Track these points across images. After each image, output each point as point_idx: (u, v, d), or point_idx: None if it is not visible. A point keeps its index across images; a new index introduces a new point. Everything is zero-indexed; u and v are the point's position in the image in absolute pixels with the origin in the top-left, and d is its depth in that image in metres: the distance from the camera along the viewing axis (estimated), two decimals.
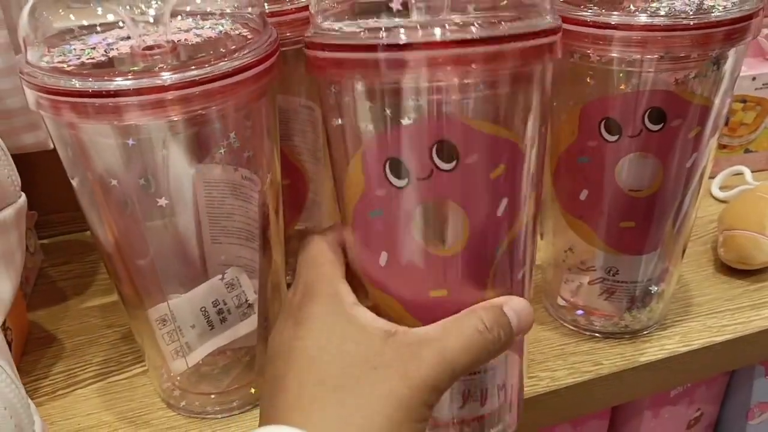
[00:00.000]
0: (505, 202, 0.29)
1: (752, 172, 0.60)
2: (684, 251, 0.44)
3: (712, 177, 0.61)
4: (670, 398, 0.54)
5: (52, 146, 0.46)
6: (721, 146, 0.63)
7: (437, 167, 0.28)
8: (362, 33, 0.27)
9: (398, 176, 0.28)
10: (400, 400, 0.27)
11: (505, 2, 0.28)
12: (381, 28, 0.26)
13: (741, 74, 0.59)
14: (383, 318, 0.30)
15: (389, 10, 0.27)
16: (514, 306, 0.31)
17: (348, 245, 0.33)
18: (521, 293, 0.32)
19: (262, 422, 0.30)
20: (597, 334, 0.45)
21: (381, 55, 0.26)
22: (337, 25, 0.29)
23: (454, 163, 0.28)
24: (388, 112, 0.27)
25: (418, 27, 0.26)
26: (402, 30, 0.26)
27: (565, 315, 0.47)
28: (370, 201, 0.30)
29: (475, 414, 0.34)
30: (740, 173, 0.60)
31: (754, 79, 0.60)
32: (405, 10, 0.27)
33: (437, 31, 0.26)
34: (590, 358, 0.43)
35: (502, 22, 0.27)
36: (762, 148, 0.63)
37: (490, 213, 0.29)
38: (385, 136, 0.28)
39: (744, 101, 0.61)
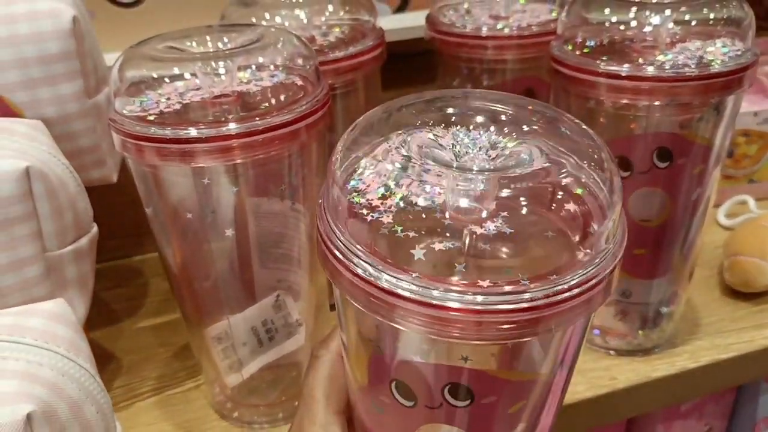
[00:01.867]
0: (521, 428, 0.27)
1: (756, 200, 0.64)
2: (691, 275, 0.48)
3: (718, 206, 0.65)
4: (680, 413, 0.57)
5: (115, 180, 0.51)
6: (727, 177, 0.67)
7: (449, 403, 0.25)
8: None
9: (406, 398, 0.26)
10: None
11: None
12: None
13: (743, 110, 0.64)
14: None
15: None
16: None
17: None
18: None
19: None
20: (612, 352, 0.49)
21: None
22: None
23: (468, 401, 0.25)
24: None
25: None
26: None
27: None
28: (374, 397, 0.27)
29: None
30: (745, 202, 0.64)
31: (755, 114, 0.64)
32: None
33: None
34: (606, 374, 0.47)
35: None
36: (765, 178, 0.67)
37: None
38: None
39: (747, 135, 0.65)
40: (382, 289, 0.22)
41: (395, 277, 0.22)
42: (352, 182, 0.24)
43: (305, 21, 0.46)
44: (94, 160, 0.48)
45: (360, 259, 0.23)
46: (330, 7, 0.49)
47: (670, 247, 0.44)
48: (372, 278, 0.22)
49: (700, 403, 0.58)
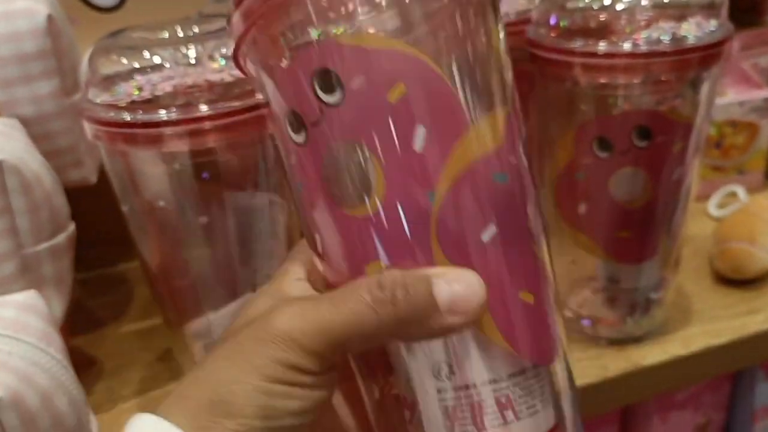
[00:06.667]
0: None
1: (746, 192, 0.64)
2: (678, 260, 0.47)
3: (707, 198, 0.65)
4: (676, 403, 0.56)
5: (94, 181, 0.50)
6: (716, 168, 0.67)
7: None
8: None
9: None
10: (245, 355, 0.23)
11: None
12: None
13: (730, 100, 0.64)
14: None
15: None
16: (451, 277, 0.23)
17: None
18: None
19: None
20: (602, 341, 0.48)
21: None
22: None
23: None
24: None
25: None
26: None
27: (573, 325, 0.50)
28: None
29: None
30: (734, 193, 0.64)
31: (741, 104, 0.64)
32: None
33: None
34: (597, 363, 0.46)
35: None
36: (754, 168, 0.67)
37: None
38: None
39: (734, 125, 0.65)
40: None
41: None
42: None
43: None
44: (73, 160, 0.48)
45: None
46: None
47: (655, 228, 0.44)
48: None
49: (696, 393, 0.57)
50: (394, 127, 0.23)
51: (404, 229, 0.23)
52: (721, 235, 0.55)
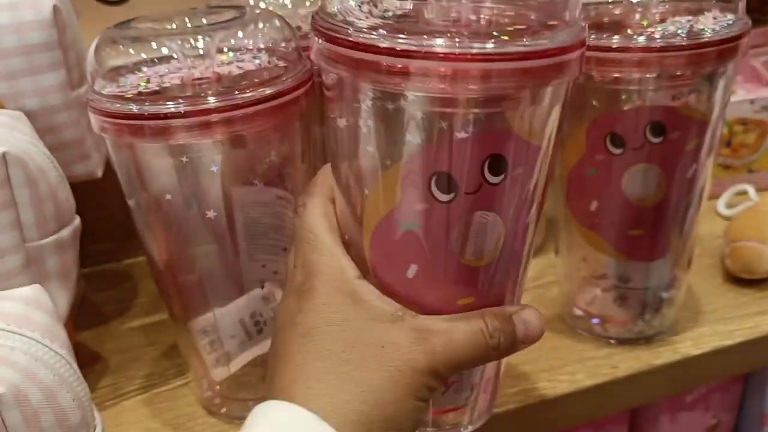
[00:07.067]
0: (534, 209, 0.31)
1: (756, 190, 0.63)
2: (691, 259, 0.47)
3: (717, 197, 0.64)
4: (686, 404, 0.56)
5: (100, 175, 0.50)
6: (726, 167, 0.66)
7: (486, 181, 0.28)
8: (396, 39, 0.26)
9: (445, 191, 0.28)
10: (405, 380, 0.28)
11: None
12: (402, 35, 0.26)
13: (740, 98, 0.63)
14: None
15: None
16: (524, 316, 0.31)
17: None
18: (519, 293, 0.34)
19: (268, 394, 0.30)
20: (612, 341, 0.48)
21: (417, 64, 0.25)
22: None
23: (502, 176, 0.28)
24: (443, 124, 0.27)
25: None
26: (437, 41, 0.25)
27: (582, 324, 0.49)
28: (403, 215, 0.29)
29: (453, 404, 0.35)
30: (745, 192, 0.63)
31: (752, 102, 0.63)
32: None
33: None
34: (607, 362, 0.46)
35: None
36: (764, 167, 0.66)
37: (522, 222, 0.30)
38: (434, 149, 0.27)
39: (744, 123, 0.64)
40: None
41: None
42: None
43: (290, 7, 0.46)
44: (79, 154, 0.48)
45: None
46: None
47: (668, 227, 0.43)
48: None
49: (707, 394, 0.56)
50: (524, 207, 0.30)
51: (501, 277, 0.32)
52: (731, 234, 0.55)
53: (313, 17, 0.29)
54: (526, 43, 0.26)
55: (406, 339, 0.29)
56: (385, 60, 0.26)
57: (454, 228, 0.29)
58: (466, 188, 0.28)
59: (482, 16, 0.28)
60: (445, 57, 0.25)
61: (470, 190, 0.28)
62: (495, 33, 0.26)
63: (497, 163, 0.28)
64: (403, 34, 0.26)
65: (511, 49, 0.25)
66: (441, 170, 0.28)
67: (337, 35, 0.27)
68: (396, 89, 0.26)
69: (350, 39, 0.27)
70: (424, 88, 0.26)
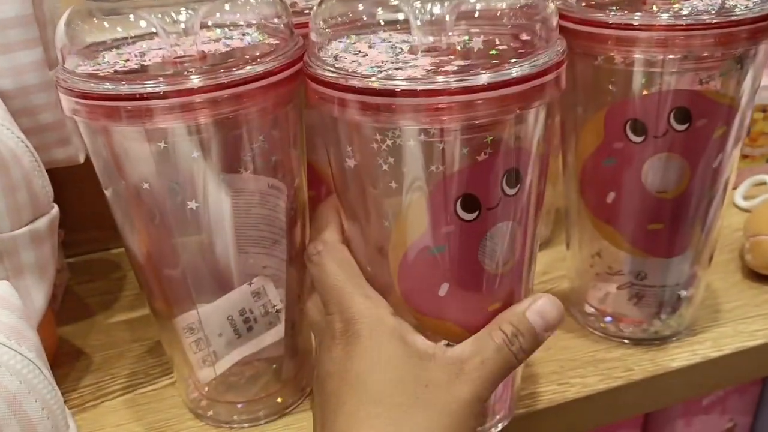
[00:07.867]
0: (540, 210, 0.33)
1: None
2: (712, 256, 0.44)
3: (735, 187, 0.61)
4: (702, 407, 0.53)
5: (82, 160, 0.47)
6: (744, 156, 0.63)
7: (505, 194, 0.30)
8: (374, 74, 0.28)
9: (470, 210, 0.30)
10: (451, 414, 0.30)
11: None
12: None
13: (761, 84, 0.60)
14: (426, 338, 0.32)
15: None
16: (538, 308, 0.32)
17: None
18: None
19: None
20: (627, 341, 0.45)
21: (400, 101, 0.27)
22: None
23: (518, 187, 0.30)
24: (464, 151, 0.28)
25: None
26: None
27: (594, 323, 0.46)
28: (432, 240, 0.30)
29: None
30: (763, 182, 0.60)
31: None
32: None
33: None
34: (621, 364, 0.43)
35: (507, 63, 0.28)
36: None
37: (533, 224, 0.32)
38: (456, 174, 0.29)
39: (765, 111, 0.61)
40: None
41: None
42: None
43: None
44: (58, 137, 0.45)
45: None
46: None
47: (689, 221, 0.40)
48: None
49: (724, 396, 0.54)
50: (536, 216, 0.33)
51: (519, 279, 0.34)
52: (751, 228, 0.52)
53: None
54: (510, 71, 0.27)
55: (445, 374, 0.31)
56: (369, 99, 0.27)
57: (480, 242, 0.30)
58: (488, 204, 0.30)
59: (461, 38, 0.29)
60: (429, 93, 0.26)
61: (492, 205, 0.30)
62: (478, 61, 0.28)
63: (513, 177, 0.30)
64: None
65: (495, 79, 0.27)
66: (466, 192, 0.29)
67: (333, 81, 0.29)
68: (391, 126, 0.28)
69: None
70: (415, 122, 0.27)
